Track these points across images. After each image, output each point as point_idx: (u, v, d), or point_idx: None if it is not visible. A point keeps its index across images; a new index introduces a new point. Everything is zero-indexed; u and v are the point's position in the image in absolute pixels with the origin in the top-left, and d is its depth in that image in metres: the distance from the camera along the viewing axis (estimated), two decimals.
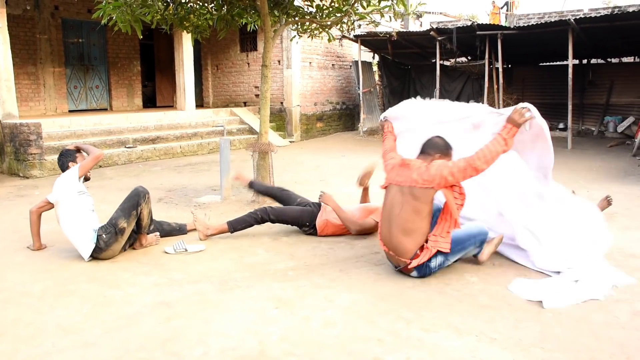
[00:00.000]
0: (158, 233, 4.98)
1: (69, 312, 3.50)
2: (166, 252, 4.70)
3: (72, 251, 4.79)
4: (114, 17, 5.96)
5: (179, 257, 4.62)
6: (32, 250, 4.83)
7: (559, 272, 3.96)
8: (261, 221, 5.07)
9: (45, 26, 12.84)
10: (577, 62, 15.05)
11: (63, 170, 4.74)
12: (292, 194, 5.67)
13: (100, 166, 9.95)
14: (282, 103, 14.89)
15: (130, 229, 4.55)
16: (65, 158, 4.79)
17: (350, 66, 16.99)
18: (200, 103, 15.90)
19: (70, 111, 13.47)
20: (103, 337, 3.15)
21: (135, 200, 4.55)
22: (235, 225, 5.06)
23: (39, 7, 12.54)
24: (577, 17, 12.33)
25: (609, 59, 16.13)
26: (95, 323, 3.33)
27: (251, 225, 5.09)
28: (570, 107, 12.23)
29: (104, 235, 4.44)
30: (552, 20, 13.83)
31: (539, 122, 4.08)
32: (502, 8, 20.63)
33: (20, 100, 12.06)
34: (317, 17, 7.06)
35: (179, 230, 5.28)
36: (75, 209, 4.50)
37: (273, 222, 5.14)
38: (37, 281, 4.07)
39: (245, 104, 15.73)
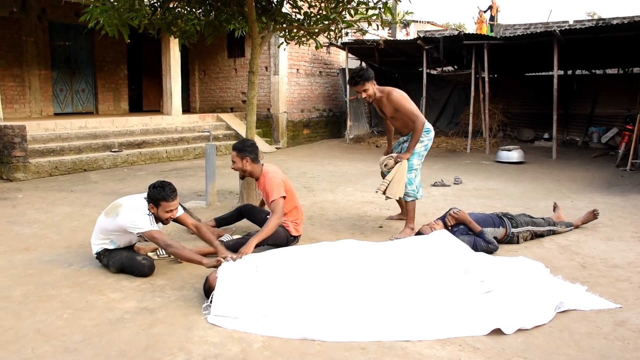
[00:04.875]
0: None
1: (50, 317, 3.46)
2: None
3: (55, 255, 4.76)
4: (101, 21, 5.94)
5: (162, 263, 4.58)
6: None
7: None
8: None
9: (32, 29, 12.73)
10: (562, 73, 15.18)
11: (149, 199, 4.28)
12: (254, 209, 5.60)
13: (85, 170, 9.88)
14: (268, 109, 14.88)
15: None
16: (155, 195, 4.21)
17: (338, 73, 17.04)
18: (187, 108, 15.83)
19: (55, 114, 13.35)
20: (84, 343, 3.11)
21: (131, 271, 4.27)
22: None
23: (25, 9, 12.44)
24: (563, 29, 12.46)
25: (593, 71, 16.30)
26: (77, 329, 3.29)
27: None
28: (555, 117, 12.33)
29: (102, 258, 4.38)
30: (538, 31, 13.97)
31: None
32: (485, 12, 20.83)
33: (5, 102, 11.94)
34: (305, 24, 7.07)
35: None
36: (114, 233, 4.32)
37: None
38: (18, 285, 4.02)
39: (232, 109, 15.70)
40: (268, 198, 4.92)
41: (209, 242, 4.49)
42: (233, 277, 3.71)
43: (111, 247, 4.37)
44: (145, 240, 4.41)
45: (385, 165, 5.66)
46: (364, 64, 17.24)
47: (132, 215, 4.19)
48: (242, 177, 5.41)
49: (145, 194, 4.36)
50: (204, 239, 4.55)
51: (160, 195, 4.19)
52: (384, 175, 5.88)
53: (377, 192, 5.70)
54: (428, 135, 5.65)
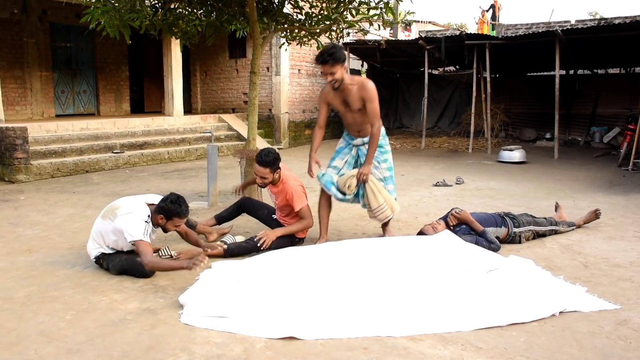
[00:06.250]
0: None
1: (53, 318, 3.46)
2: None
3: (57, 257, 4.76)
4: (103, 22, 5.94)
5: None
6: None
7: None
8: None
9: (33, 30, 12.75)
10: (564, 72, 15.18)
11: (157, 209, 4.25)
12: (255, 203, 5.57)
13: (87, 171, 9.89)
14: (270, 110, 14.89)
15: None
16: (167, 208, 4.19)
17: None
18: (188, 109, 15.83)
19: (57, 116, 13.38)
20: (86, 344, 3.11)
21: (132, 273, 4.24)
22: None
23: (26, 10, 12.45)
24: (564, 29, 12.45)
25: (595, 70, 16.29)
26: (79, 330, 3.29)
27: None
28: (557, 117, 12.32)
29: (102, 262, 4.37)
30: (540, 31, 13.96)
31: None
32: (487, 11, 20.82)
33: (7, 104, 11.96)
34: (306, 24, 7.07)
35: (189, 227, 5.16)
36: (111, 238, 4.29)
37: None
38: (21, 287, 4.02)
39: (233, 110, 15.71)
40: (293, 205, 4.95)
41: (196, 244, 4.65)
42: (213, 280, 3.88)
43: (109, 252, 4.36)
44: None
45: (348, 186, 4.94)
46: (369, 61, 17.26)
47: (128, 221, 4.14)
48: (263, 186, 5.12)
49: (146, 198, 4.37)
50: (190, 242, 4.68)
51: (176, 211, 4.21)
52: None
53: (374, 217, 5.12)
54: (385, 138, 5.19)
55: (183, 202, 4.27)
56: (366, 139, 5.05)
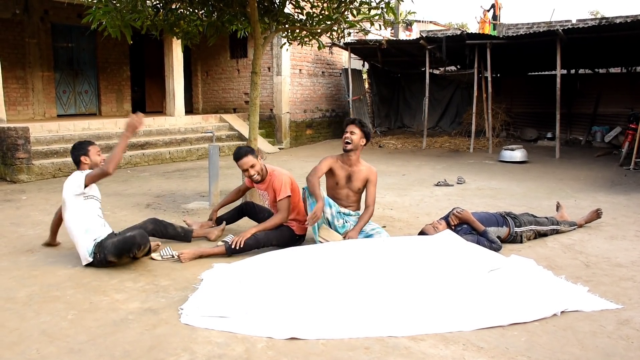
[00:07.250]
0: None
1: (54, 318, 3.47)
2: (153, 259, 4.67)
3: (59, 256, 4.77)
4: (104, 22, 5.95)
5: (166, 264, 4.59)
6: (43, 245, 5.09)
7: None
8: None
9: (35, 30, 12.76)
10: (565, 72, 15.17)
11: (76, 164, 4.66)
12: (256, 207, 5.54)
13: None
14: (271, 110, 14.90)
15: (121, 262, 4.44)
16: (77, 152, 4.63)
17: (340, 74, 17.03)
18: (189, 109, 15.84)
19: (58, 116, 13.40)
20: (88, 343, 3.12)
21: (129, 247, 4.31)
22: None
23: (28, 11, 12.46)
24: (565, 28, 12.44)
25: (596, 70, 16.28)
26: (81, 329, 3.30)
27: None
28: (558, 116, 12.31)
29: (98, 255, 4.37)
30: (541, 30, 13.95)
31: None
32: (488, 11, 20.82)
33: (9, 104, 11.97)
34: (308, 24, 7.07)
35: (184, 236, 5.19)
36: (80, 214, 4.43)
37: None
38: (23, 287, 4.03)
39: (234, 110, 15.72)
40: (276, 196, 4.95)
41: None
42: (216, 281, 3.91)
43: (91, 235, 4.39)
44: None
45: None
46: (366, 65, 17.30)
47: (68, 182, 4.51)
48: (258, 182, 5.15)
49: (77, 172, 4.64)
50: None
51: (84, 143, 4.72)
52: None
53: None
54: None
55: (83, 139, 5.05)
56: (353, 212, 5.17)
